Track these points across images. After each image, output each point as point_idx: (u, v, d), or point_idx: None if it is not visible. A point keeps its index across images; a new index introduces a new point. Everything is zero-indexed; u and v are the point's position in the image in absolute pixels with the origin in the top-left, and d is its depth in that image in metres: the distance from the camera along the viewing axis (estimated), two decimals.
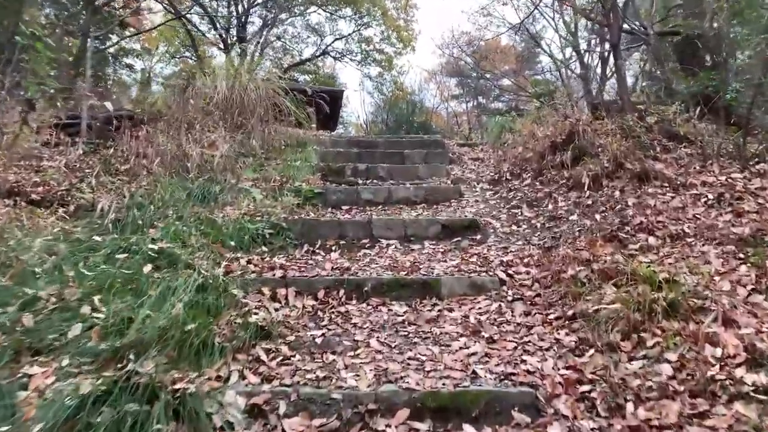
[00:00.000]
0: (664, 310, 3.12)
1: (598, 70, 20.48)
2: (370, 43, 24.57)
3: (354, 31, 24.42)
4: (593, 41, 19.55)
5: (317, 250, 4.94)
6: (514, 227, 5.25)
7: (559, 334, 3.34)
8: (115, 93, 11.53)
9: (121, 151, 6.64)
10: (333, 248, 4.98)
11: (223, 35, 23.10)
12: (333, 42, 24.83)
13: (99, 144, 7.13)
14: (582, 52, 19.28)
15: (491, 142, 10.21)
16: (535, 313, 3.64)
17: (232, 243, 4.59)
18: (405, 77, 33.69)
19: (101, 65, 12.37)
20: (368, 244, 5.04)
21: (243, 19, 22.75)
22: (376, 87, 26.61)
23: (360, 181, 7.40)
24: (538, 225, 5.15)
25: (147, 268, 3.77)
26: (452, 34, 26.11)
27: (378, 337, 3.41)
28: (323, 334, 3.46)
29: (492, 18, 21.84)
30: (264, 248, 4.75)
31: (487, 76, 25.91)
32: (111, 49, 17.85)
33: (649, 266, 3.59)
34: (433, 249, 4.82)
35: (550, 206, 5.45)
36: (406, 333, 3.48)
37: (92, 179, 5.89)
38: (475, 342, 3.30)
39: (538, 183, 6.25)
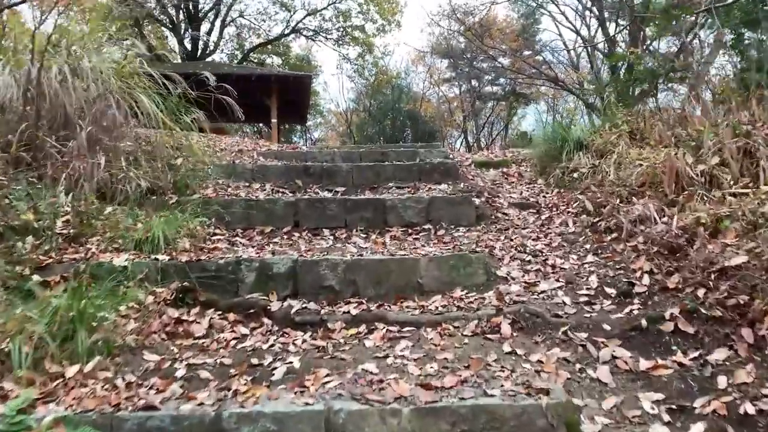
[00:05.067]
0: None
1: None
2: (348, 19, 19.58)
3: (329, 4, 19.40)
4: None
5: None
6: None
7: None
8: None
9: None
10: None
11: (170, 11, 18.06)
12: (304, 18, 19.83)
13: None
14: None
15: (538, 160, 5.57)
16: None
17: None
18: (389, 59, 28.68)
19: None
20: None
21: None
22: (356, 70, 21.67)
23: (275, 308, 2.77)
24: None
25: None
26: (448, 3, 21.00)
27: None
28: None
29: None
30: None
31: (482, 56, 21.02)
32: None
33: None
34: None
35: None
36: None
37: None
38: None
39: None
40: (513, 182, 5.27)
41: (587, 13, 15.33)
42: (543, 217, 4.05)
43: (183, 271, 2.90)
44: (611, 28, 14.84)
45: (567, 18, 14.99)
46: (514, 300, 2.64)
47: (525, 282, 2.85)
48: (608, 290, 2.66)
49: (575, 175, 4.64)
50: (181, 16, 18.01)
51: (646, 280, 2.62)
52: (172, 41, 19.35)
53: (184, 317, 2.67)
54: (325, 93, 30.16)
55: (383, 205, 4.02)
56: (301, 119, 16.64)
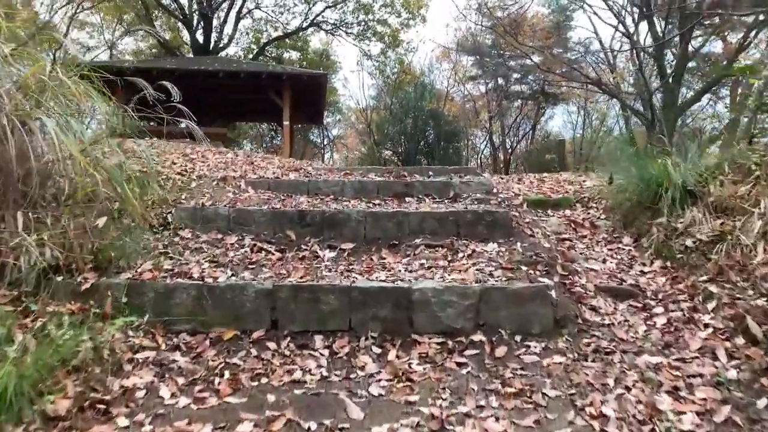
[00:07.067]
0: None
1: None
2: (370, 12, 17.98)
3: None
4: None
5: None
6: None
7: None
8: None
9: None
10: None
11: (182, 1, 16.68)
12: (324, 10, 18.28)
13: None
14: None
15: (618, 207, 4.01)
16: None
17: None
18: (413, 56, 26.99)
19: None
20: None
21: None
22: (378, 67, 20.09)
23: None
24: None
25: None
26: None
27: None
28: None
29: None
30: None
31: (510, 54, 19.24)
32: None
33: None
34: None
35: None
36: None
37: None
38: None
39: None
40: (586, 238, 3.72)
41: (632, 8, 13.46)
42: (659, 323, 2.51)
43: None
44: (657, 25, 13.01)
45: (613, 12, 13.10)
46: None
47: None
48: None
49: (689, 242, 3.09)
50: (194, 7, 16.60)
51: None
52: (185, 33, 17.99)
53: None
54: (345, 90, 28.70)
55: (408, 300, 2.52)
56: (316, 119, 15.16)
